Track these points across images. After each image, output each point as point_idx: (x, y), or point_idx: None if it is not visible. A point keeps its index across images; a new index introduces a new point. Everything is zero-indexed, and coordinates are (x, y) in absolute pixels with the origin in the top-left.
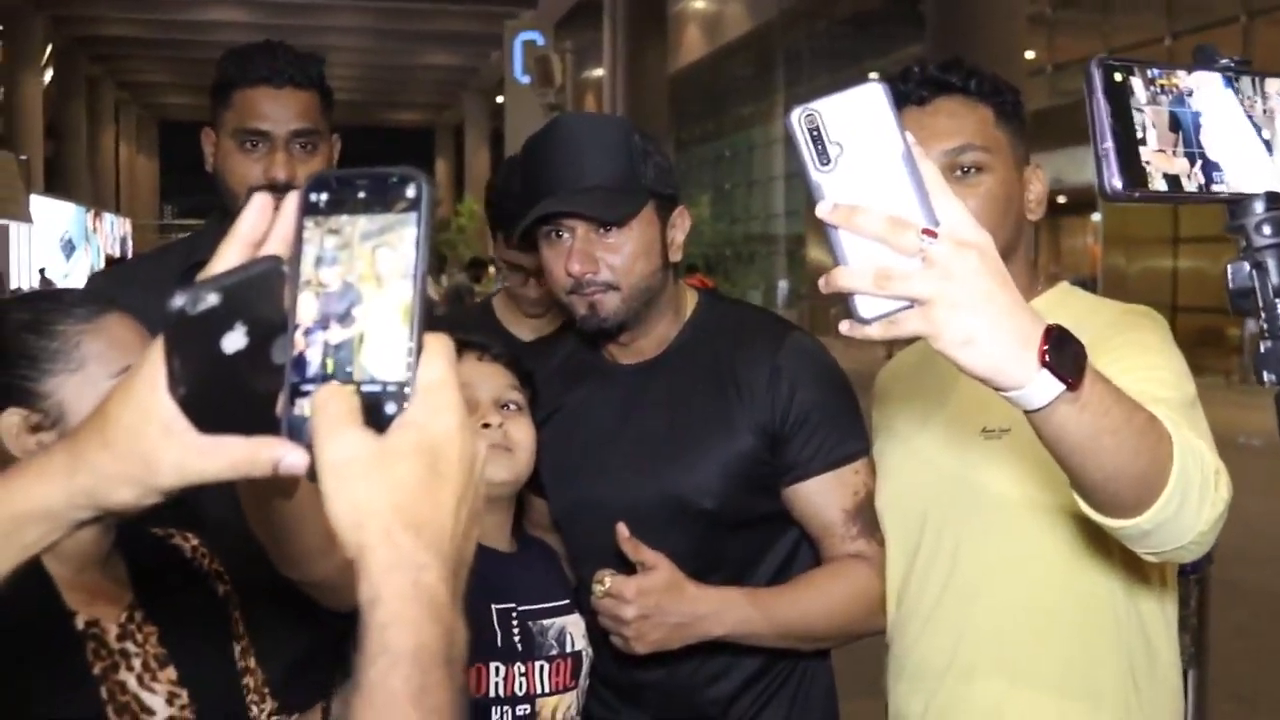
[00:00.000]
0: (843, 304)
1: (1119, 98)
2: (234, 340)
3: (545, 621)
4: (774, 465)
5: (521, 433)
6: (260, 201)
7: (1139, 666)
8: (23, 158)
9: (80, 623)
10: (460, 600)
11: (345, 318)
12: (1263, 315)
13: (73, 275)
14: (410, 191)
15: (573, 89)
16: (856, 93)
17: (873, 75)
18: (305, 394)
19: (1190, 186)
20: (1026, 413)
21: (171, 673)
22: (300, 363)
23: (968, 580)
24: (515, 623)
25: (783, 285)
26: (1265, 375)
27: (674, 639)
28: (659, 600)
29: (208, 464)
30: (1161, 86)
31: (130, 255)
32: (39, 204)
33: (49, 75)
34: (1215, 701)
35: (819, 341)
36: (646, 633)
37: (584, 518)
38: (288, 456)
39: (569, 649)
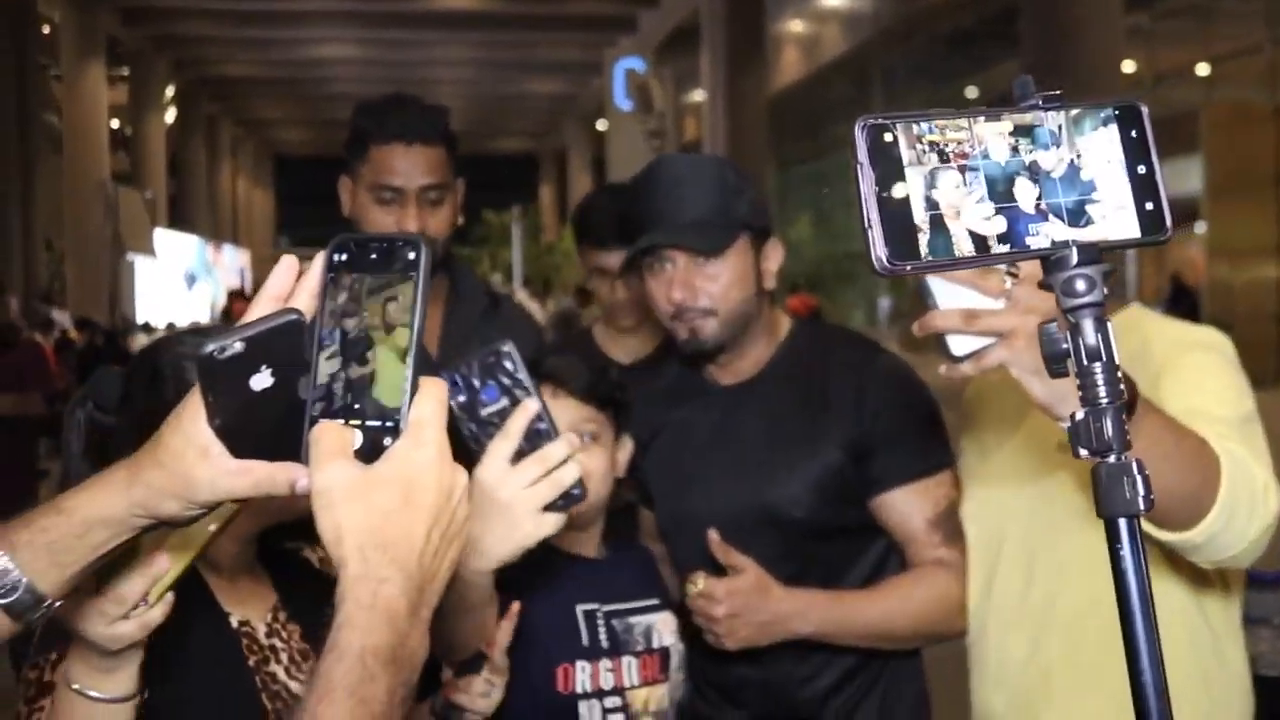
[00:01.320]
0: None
1: (889, 160)
2: (261, 380)
3: (632, 619)
4: (861, 478)
5: (594, 462)
6: (287, 263)
7: (1209, 667)
8: (148, 195)
9: (234, 622)
10: (424, 608)
11: (361, 360)
12: (1078, 383)
13: (194, 306)
14: (411, 255)
15: (673, 114)
16: None
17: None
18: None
19: (993, 249)
20: None
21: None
22: (320, 398)
23: (1045, 586)
24: (601, 622)
25: (883, 303)
26: (1079, 450)
27: (762, 636)
28: (747, 600)
29: (237, 483)
30: (943, 140)
31: (248, 285)
32: (162, 237)
33: (171, 114)
34: None
35: (905, 361)
36: (736, 629)
37: (685, 527)
38: (302, 480)
39: (656, 644)
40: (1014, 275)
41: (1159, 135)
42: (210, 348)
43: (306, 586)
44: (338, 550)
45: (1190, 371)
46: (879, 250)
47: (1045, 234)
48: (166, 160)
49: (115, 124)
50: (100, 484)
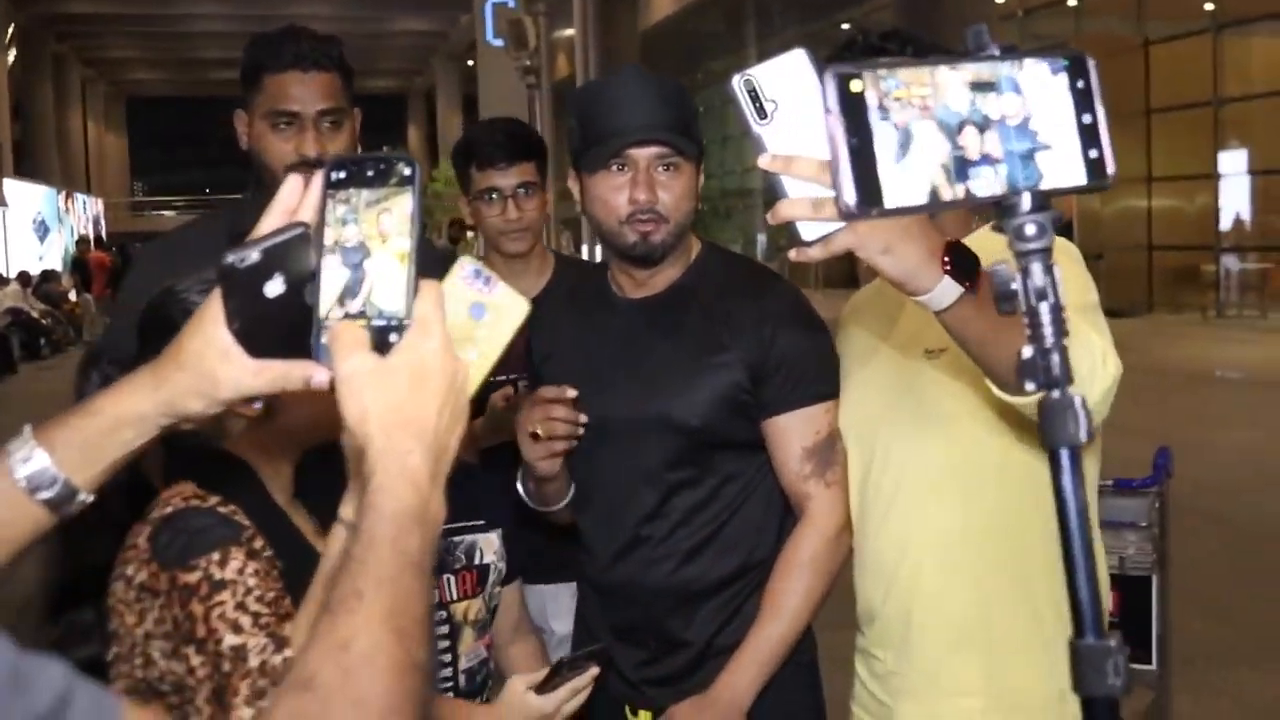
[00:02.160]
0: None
1: (856, 109)
2: (274, 287)
3: (455, 539)
4: (754, 398)
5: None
6: (294, 180)
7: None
8: None
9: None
10: (441, 477)
11: (358, 267)
12: (1025, 320)
13: (47, 257)
14: (406, 170)
15: (546, 50)
16: (785, 59)
17: (845, 40)
18: (328, 328)
19: (949, 195)
20: (936, 314)
21: None
22: (325, 303)
23: (915, 483)
24: None
25: (761, 239)
26: (1027, 383)
27: None
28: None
29: (256, 381)
30: (905, 91)
31: (104, 234)
32: (10, 187)
33: (12, 54)
34: (1190, 619)
35: (802, 292)
36: None
37: (586, 434)
38: (316, 375)
39: (476, 561)
40: None
41: None
42: (231, 259)
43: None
44: (363, 429)
45: None
46: (847, 196)
47: (998, 180)
48: (10, 105)
49: None
50: (126, 387)
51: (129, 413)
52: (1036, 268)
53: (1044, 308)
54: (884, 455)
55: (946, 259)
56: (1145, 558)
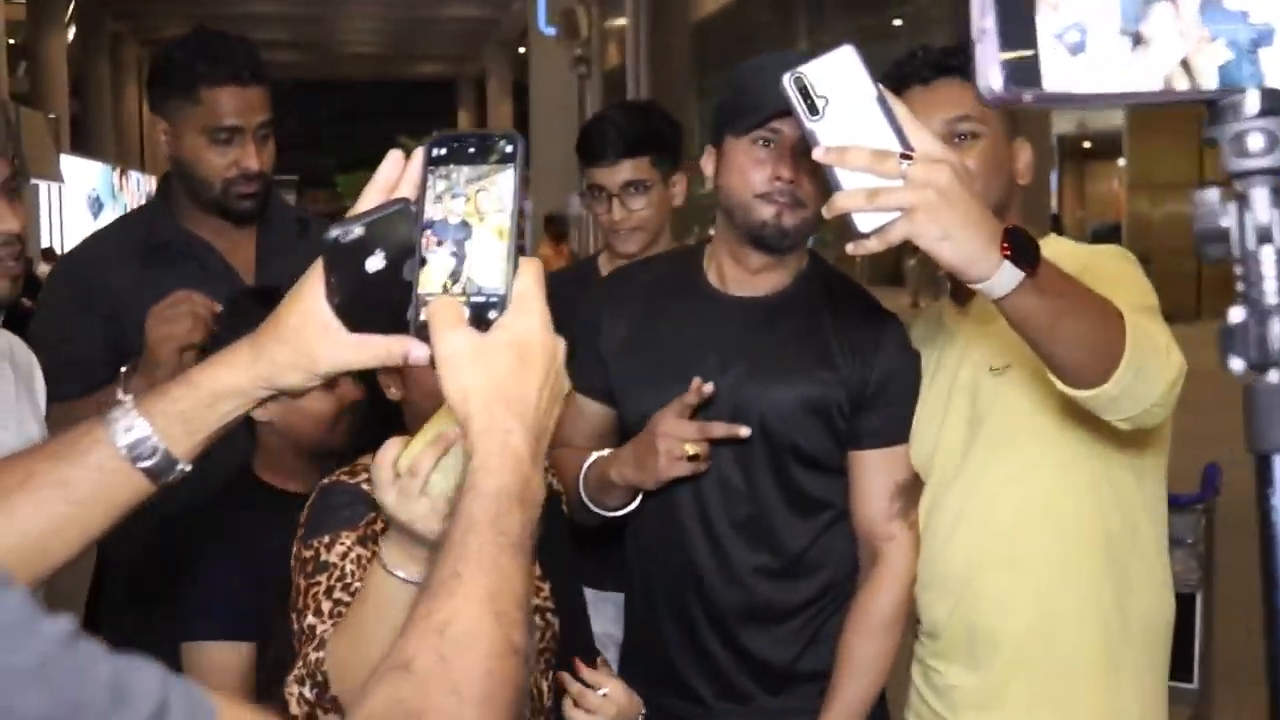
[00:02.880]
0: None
1: None
2: (375, 262)
3: None
4: (849, 425)
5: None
6: (394, 156)
7: (1128, 554)
8: (51, 116)
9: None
10: (541, 457)
11: (458, 244)
12: (1238, 271)
13: None
14: (508, 147)
15: (598, 40)
16: (834, 55)
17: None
18: (428, 304)
19: (1137, 84)
20: (996, 301)
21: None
22: (425, 279)
23: (981, 500)
24: None
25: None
26: (1231, 360)
27: None
28: None
29: (355, 355)
30: None
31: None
32: (67, 163)
33: (71, 33)
34: (1239, 636)
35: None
36: None
37: None
38: (415, 351)
39: None
40: (908, 157)
41: None
42: (335, 233)
43: None
44: (464, 408)
45: (1096, 276)
46: (991, 78)
47: (1210, 70)
48: (69, 82)
49: (12, 42)
50: (225, 359)
51: (227, 386)
52: (1260, 195)
53: (1266, 254)
54: (951, 472)
55: (1006, 244)
56: (1191, 575)
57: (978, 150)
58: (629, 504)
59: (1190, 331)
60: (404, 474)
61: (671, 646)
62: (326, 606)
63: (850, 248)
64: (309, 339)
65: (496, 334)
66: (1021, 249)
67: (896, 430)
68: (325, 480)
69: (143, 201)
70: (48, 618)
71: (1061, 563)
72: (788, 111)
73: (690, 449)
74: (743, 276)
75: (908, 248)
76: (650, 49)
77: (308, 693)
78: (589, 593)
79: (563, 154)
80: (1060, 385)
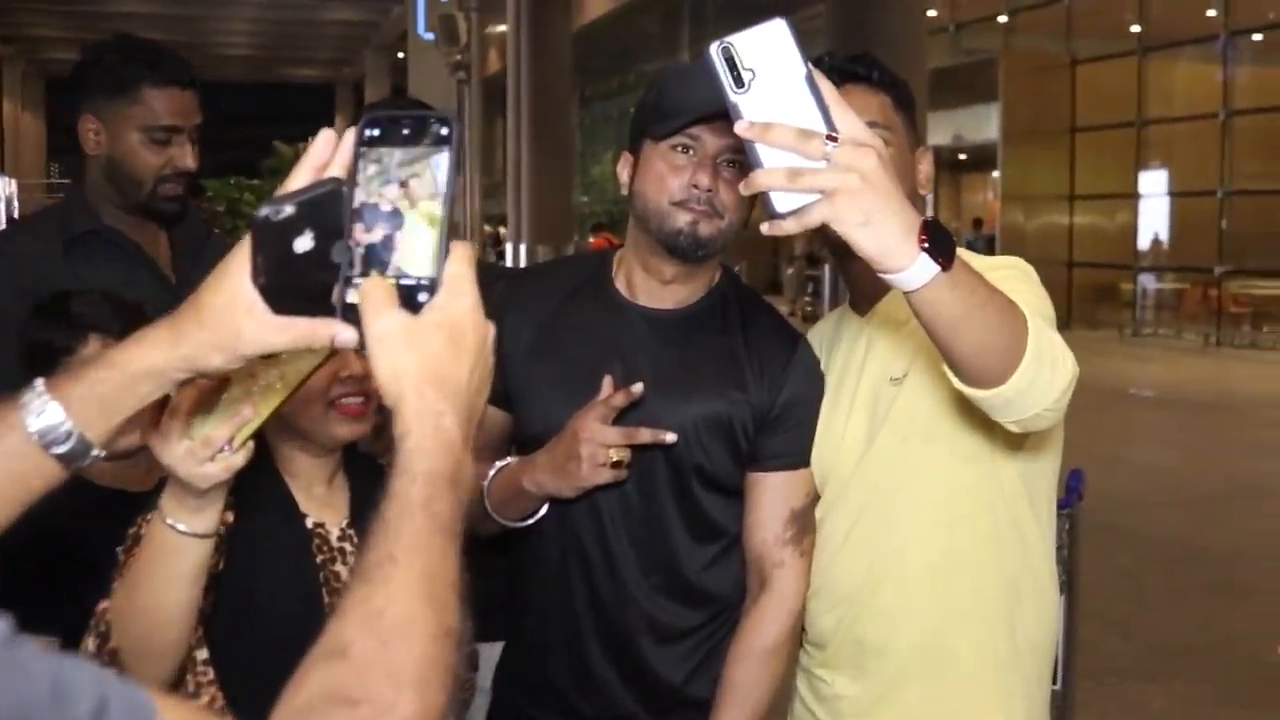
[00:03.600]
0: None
1: None
2: (303, 243)
3: None
4: (753, 445)
5: None
6: (326, 135)
7: (1019, 568)
8: None
9: (310, 522)
10: (470, 440)
11: (389, 227)
12: None
13: None
14: (443, 130)
15: (477, 45)
16: (765, 27)
17: None
18: (355, 285)
19: None
20: (908, 294)
21: None
22: (353, 261)
23: (872, 511)
24: None
25: None
26: None
27: None
28: None
29: (280, 337)
30: None
31: (15, 215)
32: None
33: None
34: (1098, 635)
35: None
36: None
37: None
38: (341, 334)
39: None
40: (834, 139)
41: (956, 84)
42: (265, 211)
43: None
44: (395, 389)
45: (998, 283)
46: None
47: None
48: None
49: None
50: (145, 341)
51: (146, 368)
52: None
53: None
54: (844, 482)
55: (924, 235)
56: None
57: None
58: (535, 514)
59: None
60: (165, 415)
61: (556, 663)
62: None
63: (765, 228)
64: (233, 320)
65: (428, 315)
66: (939, 242)
67: (797, 455)
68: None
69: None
70: None
71: (951, 575)
72: (708, 118)
73: (614, 455)
74: (653, 287)
75: (786, 249)
76: (531, 55)
77: (91, 644)
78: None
79: None
80: (958, 384)
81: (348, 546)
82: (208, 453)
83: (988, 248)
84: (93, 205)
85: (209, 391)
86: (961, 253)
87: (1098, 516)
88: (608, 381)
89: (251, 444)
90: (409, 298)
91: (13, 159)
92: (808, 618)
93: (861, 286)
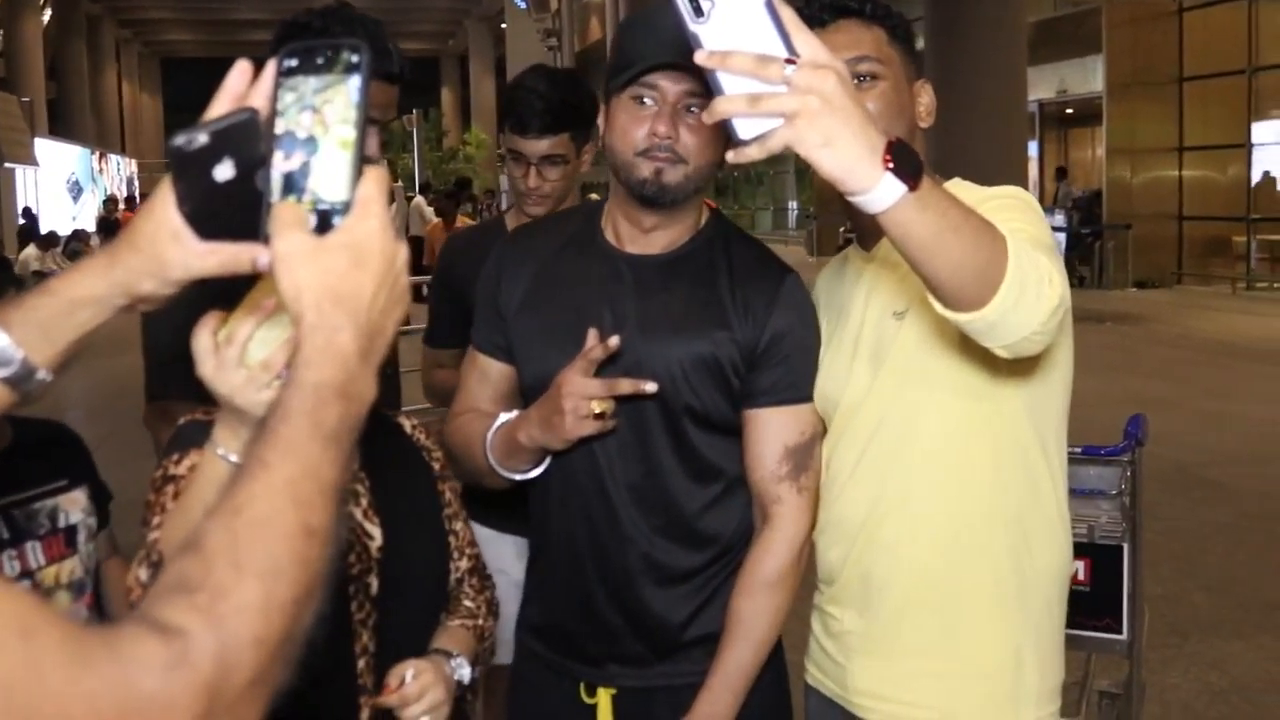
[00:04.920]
0: (835, 213)
1: None
2: (224, 171)
3: (35, 505)
4: (744, 383)
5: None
6: (242, 66)
7: (1025, 504)
8: (25, 100)
9: None
10: (373, 355)
11: (305, 154)
12: None
13: (80, 217)
14: (353, 57)
15: (570, 13)
16: None
17: None
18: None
19: None
20: (876, 216)
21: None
22: (274, 186)
23: (876, 447)
24: None
25: (792, 206)
26: None
27: None
28: None
29: (205, 262)
30: None
31: (136, 195)
32: (44, 146)
33: (48, 15)
34: (1189, 590)
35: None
36: None
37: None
38: (262, 256)
39: (62, 524)
40: (793, 62)
41: (1059, 35)
42: (180, 140)
43: (388, 445)
44: (297, 306)
45: (990, 212)
46: None
47: None
48: (45, 64)
49: None
50: (83, 268)
51: (84, 294)
52: None
53: None
54: (849, 418)
55: (889, 156)
56: (1116, 527)
57: (877, 92)
58: (537, 466)
59: (1170, 296)
60: (221, 343)
61: (565, 607)
62: (170, 508)
63: (730, 155)
64: (160, 245)
65: (334, 236)
66: (904, 161)
67: (788, 390)
68: (182, 420)
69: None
70: None
71: (955, 509)
72: (662, 67)
73: (597, 407)
74: (636, 234)
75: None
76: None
77: (143, 574)
78: (485, 532)
79: None
80: (939, 308)
81: (359, 489)
82: (266, 378)
83: (1094, 201)
84: None
85: (265, 319)
86: (958, 184)
87: (1199, 471)
88: (592, 334)
89: None
90: (323, 221)
91: (132, 139)
92: (817, 554)
93: (865, 222)
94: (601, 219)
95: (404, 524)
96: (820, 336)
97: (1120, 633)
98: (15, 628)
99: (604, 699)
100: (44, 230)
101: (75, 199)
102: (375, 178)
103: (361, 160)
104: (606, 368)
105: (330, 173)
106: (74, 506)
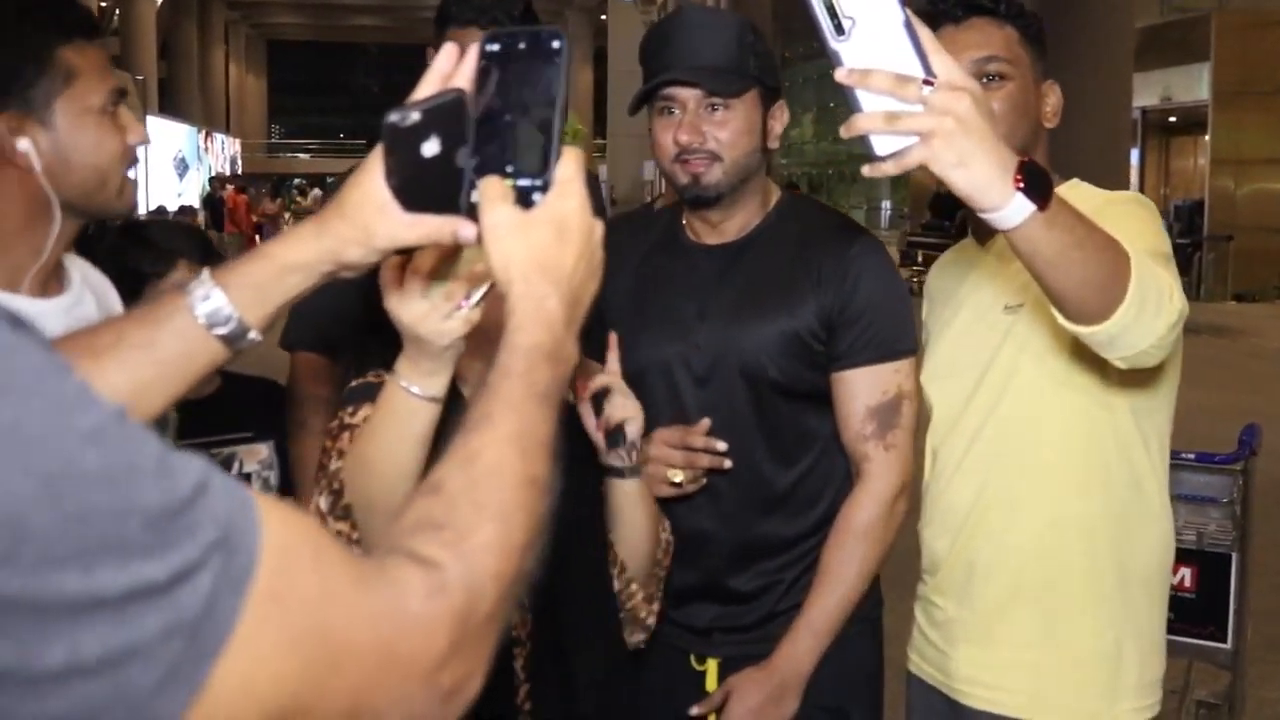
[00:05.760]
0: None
1: None
2: (430, 147)
3: (213, 451)
4: (827, 348)
5: None
6: (450, 49)
7: (1128, 500)
8: (139, 78)
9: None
10: (575, 323)
11: (508, 133)
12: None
13: (186, 194)
14: (555, 44)
15: (674, 4)
16: None
17: None
18: (477, 186)
19: None
20: (1006, 232)
21: None
22: (477, 164)
23: (986, 438)
24: None
25: (885, 205)
26: None
27: (783, 712)
28: (761, 710)
29: (410, 233)
30: None
31: (240, 173)
32: (154, 124)
33: None
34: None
35: (885, 248)
36: None
37: (652, 378)
38: (463, 230)
39: (235, 472)
40: (930, 83)
41: (1166, 42)
42: (394, 117)
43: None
44: (506, 275)
45: (1112, 219)
46: None
47: None
48: (157, 44)
49: (103, 4)
50: (294, 235)
51: (295, 259)
52: None
53: None
54: (959, 409)
55: (1019, 176)
56: (1225, 535)
57: (1005, 92)
58: None
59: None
60: (406, 276)
61: (674, 584)
62: (347, 450)
63: (866, 169)
64: (367, 216)
65: (539, 211)
66: (1034, 182)
67: (864, 351)
68: (355, 381)
69: (225, 163)
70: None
71: (1059, 502)
72: (671, 83)
73: (675, 476)
74: (707, 228)
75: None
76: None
77: (323, 502)
78: None
79: (638, 119)
80: (1061, 320)
81: None
82: (448, 308)
83: (1196, 211)
84: None
85: (448, 253)
86: (1077, 185)
87: (1251, 463)
88: (612, 337)
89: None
90: (524, 197)
91: (238, 120)
92: (923, 543)
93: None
94: (683, 217)
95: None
96: (907, 294)
97: (1224, 641)
98: (309, 551)
99: (711, 667)
100: (152, 205)
101: (181, 176)
102: (573, 158)
103: (560, 141)
104: (696, 359)
105: (531, 152)
106: (252, 459)
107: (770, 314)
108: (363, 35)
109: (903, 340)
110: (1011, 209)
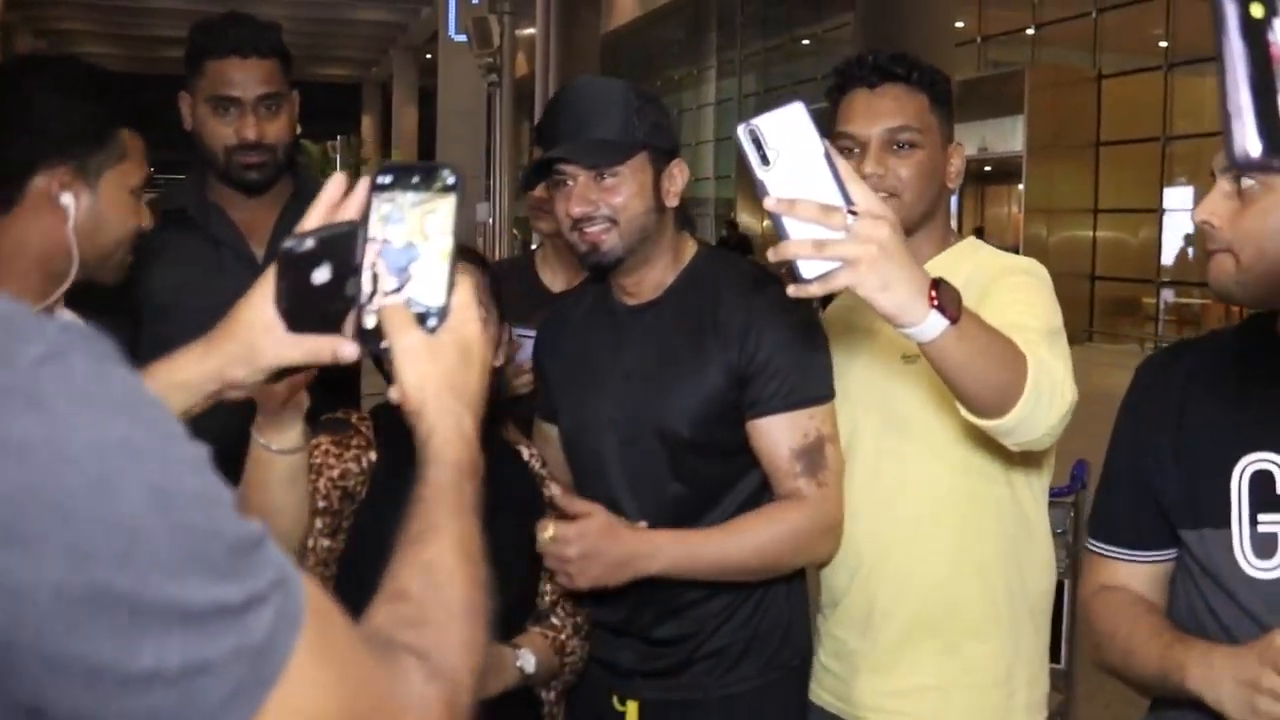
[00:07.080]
0: (786, 271)
1: (1258, 36)
2: (321, 274)
3: None
4: (739, 402)
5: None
6: (337, 179)
7: (1019, 538)
8: None
9: None
10: (477, 436)
11: (404, 261)
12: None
13: None
14: (450, 179)
15: (508, 48)
16: (786, 110)
17: (824, 73)
18: (371, 312)
19: None
20: (921, 345)
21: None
22: (371, 290)
23: (886, 481)
24: None
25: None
26: None
27: (612, 576)
28: (596, 541)
29: (293, 351)
30: None
31: None
32: None
33: None
34: None
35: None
36: (587, 569)
37: (582, 437)
38: (344, 349)
39: None
40: (854, 213)
41: (982, 95)
42: (290, 244)
43: (508, 471)
44: (420, 395)
45: (1008, 291)
46: (1247, 142)
47: None
48: None
49: None
50: (181, 355)
51: (179, 379)
52: None
53: None
54: (860, 455)
55: (934, 295)
56: (1060, 564)
57: (915, 160)
58: None
59: (1081, 353)
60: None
61: (597, 628)
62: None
63: (792, 290)
64: (255, 335)
65: (444, 336)
66: (947, 300)
67: (776, 399)
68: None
69: None
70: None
71: (961, 550)
72: (554, 160)
73: (545, 532)
74: (624, 290)
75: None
76: (560, 59)
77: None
78: None
79: (469, 160)
80: (964, 413)
81: None
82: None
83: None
84: (201, 180)
85: None
86: (977, 246)
87: (1081, 496)
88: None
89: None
90: (420, 322)
91: None
92: (822, 581)
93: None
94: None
95: (506, 536)
96: (819, 338)
97: (1059, 663)
98: (339, 620)
99: (632, 709)
100: None
101: None
102: (467, 285)
103: (456, 269)
104: (615, 422)
105: (429, 279)
106: None
107: (684, 375)
108: (175, 67)
109: (814, 387)
110: (928, 325)
